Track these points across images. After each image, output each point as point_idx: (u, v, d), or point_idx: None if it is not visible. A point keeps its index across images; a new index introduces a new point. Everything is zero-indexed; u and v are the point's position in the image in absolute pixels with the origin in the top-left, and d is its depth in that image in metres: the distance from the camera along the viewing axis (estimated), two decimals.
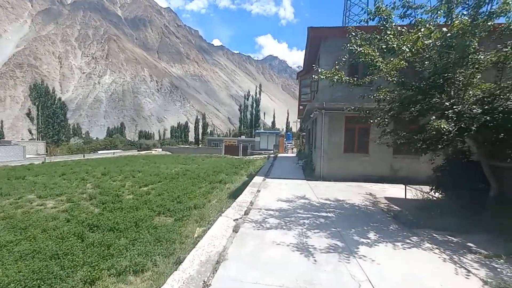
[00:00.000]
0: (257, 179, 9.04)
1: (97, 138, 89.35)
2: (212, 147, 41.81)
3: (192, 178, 14.51)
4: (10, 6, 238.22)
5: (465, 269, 2.96)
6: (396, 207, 5.77)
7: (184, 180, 14.04)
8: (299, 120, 63.13)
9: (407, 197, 6.76)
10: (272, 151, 29.76)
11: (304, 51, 15.64)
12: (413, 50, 4.32)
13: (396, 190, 7.73)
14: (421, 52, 4.46)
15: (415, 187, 8.42)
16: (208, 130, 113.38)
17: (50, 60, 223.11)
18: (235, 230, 3.98)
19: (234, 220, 4.41)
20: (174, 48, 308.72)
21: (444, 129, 3.56)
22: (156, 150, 52.25)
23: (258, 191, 7.08)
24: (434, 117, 4.30)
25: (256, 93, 59.95)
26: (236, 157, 31.94)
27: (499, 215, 4.30)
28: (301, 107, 15.52)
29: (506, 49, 3.92)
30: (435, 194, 5.45)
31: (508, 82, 4.15)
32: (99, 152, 42.52)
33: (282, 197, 6.47)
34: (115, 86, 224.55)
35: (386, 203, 6.17)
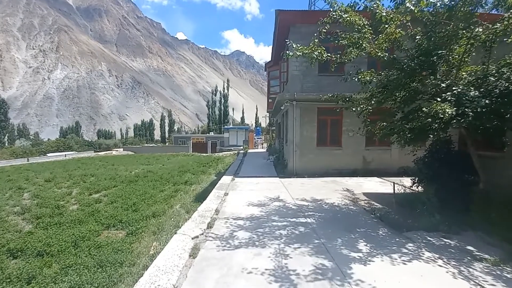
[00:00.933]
0: (225, 179, 8.09)
1: (48, 139, 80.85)
2: (179, 145, 39.70)
3: (154, 180, 13.06)
4: None
5: (481, 286, 2.39)
6: (378, 205, 5.28)
7: (144, 183, 12.56)
8: (268, 114, 63.07)
9: (384, 191, 6.37)
10: (241, 147, 28.87)
11: (271, 46, 14.99)
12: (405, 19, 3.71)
13: (372, 184, 7.36)
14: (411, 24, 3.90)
15: (388, 179, 8.17)
16: (176, 128, 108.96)
17: None
18: (193, 254, 3.02)
19: (192, 239, 3.44)
20: (135, 41, 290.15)
21: (447, 114, 2.99)
22: (117, 151, 48.48)
23: (226, 194, 6.15)
24: (425, 102, 3.75)
25: (224, 88, 58.35)
26: (204, 154, 30.50)
27: (487, 209, 3.92)
28: (270, 100, 14.80)
29: (497, 25, 3.46)
30: (417, 187, 5.02)
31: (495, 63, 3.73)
32: (49, 155, 38.03)
33: (253, 200, 5.63)
34: (69, 82, 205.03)
35: (366, 200, 5.67)
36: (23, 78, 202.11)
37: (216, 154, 29.31)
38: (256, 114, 75.20)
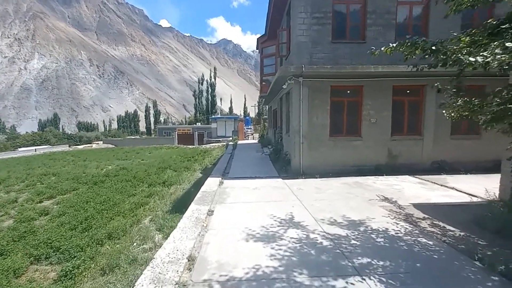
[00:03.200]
0: (211, 183, 5.93)
1: (26, 132, 75.87)
2: (164, 137, 37.00)
3: (125, 180, 10.74)
4: None
5: None
6: (452, 228, 3.32)
7: (112, 184, 10.24)
8: (257, 104, 60.55)
9: (440, 200, 4.44)
10: (230, 138, 26.61)
11: (258, 34, 12.64)
12: None
13: (413, 188, 5.42)
14: None
15: (425, 178, 6.28)
16: (162, 119, 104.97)
17: None
18: None
19: None
20: (116, 28, 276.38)
21: None
22: (97, 144, 45.32)
23: (210, 212, 3.99)
24: None
25: (211, 77, 55.30)
26: (190, 146, 28.12)
27: None
28: (263, 83, 12.57)
29: None
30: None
31: None
32: (20, 149, 34.55)
33: (253, 225, 3.51)
34: (47, 72, 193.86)
35: (426, 219, 3.70)
36: None
37: (203, 146, 26.98)
38: (245, 104, 72.79)
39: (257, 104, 59.90)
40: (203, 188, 5.30)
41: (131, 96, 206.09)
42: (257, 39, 12.15)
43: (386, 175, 6.70)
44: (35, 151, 29.28)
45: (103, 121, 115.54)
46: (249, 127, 38.47)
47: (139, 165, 15.58)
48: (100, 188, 9.77)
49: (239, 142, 22.91)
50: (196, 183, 10.04)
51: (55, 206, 8.03)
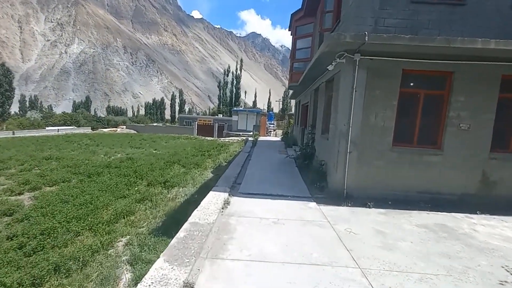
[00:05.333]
0: (210, 205, 3.92)
1: (63, 112, 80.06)
2: (184, 126, 36.02)
3: (124, 175, 9.19)
4: None
5: None
6: None
7: (108, 178, 8.72)
8: (281, 100, 57.92)
9: None
10: (251, 133, 24.64)
11: (287, 29, 10.14)
12: None
13: None
14: None
15: None
16: (187, 108, 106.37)
17: (9, 24, 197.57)
18: None
19: None
20: (150, 17, 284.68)
21: None
22: (122, 128, 45.87)
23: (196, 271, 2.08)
24: None
25: (236, 69, 53.64)
26: (209, 138, 26.63)
27: None
28: (293, 71, 10.35)
29: None
30: None
31: None
32: (47, 128, 35.42)
33: None
34: (85, 57, 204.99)
35: None
36: (41, 51, 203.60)
37: (222, 139, 25.35)
38: (269, 99, 70.74)
39: (281, 100, 57.32)
40: (193, 217, 3.33)
41: (160, 84, 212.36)
42: (291, 15, 9.88)
43: (479, 212, 4.32)
44: (58, 131, 29.50)
45: (132, 106, 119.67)
46: (272, 122, 36.30)
47: (149, 156, 14.18)
48: (92, 182, 8.27)
49: (260, 138, 20.90)
50: (203, 186, 8.22)
51: (28, 203, 6.59)
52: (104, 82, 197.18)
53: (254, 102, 65.82)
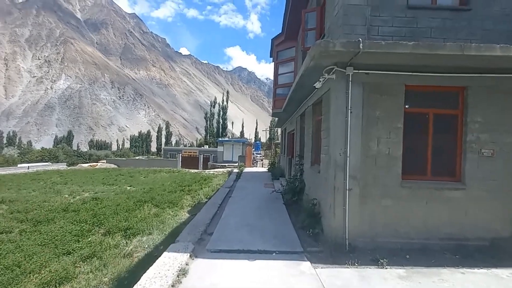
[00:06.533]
0: (159, 273, 2.68)
1: (42, 148, 76.78)
2: (168, 159, 34.47)
3: (79, 221, 7.64)
4: None
5: None
6: None
7: (59, 226, 7.16)
8: (268, 129, 58.09)
9: None
10: (237, 164, 23.45)
11: (271, 60, 9.67)
12: None
13: None
14: None
15: None
16: (174, 140, 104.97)
17: None
18: None
19: None
20: (139, 54, 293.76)
21: None
22: (103, 162, 43.57)
23: None
24: None
25: (223, 100, 54.16)
26: (193, 170, 25.14)
27: None
28: (276, 98, 9.66)
29: None
30: None
31: None
32: (19, 165, 32.87)
33: None
34: (71, 92, 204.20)
35: None
36: (26, 87, 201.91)
37: (206, 171, 23.95)
38: (256, 129, 71.13)
39: (268, 129, 57.37)
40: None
41: (147, 117, 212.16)
42: (272, 40, 9.45)
43: None
44: (28, 168, 27.20)
45: (117, 140, 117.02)
46: (259, 152, 35.44)
47: (120, 194, 12.59)
48: (35, 233, 6.69)
49: (246, 169, 19.72)
50: (173, 233, 6.82)
51: None
52: (89, 117, 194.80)
53: (242, 132, 65.72)
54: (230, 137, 59.52)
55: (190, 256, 3.19)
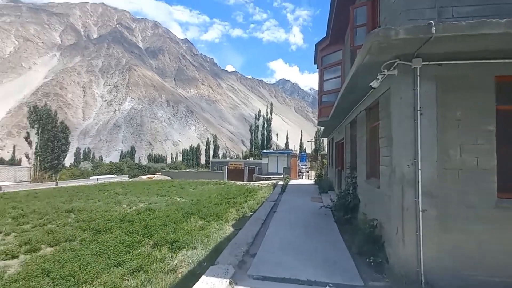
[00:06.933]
0: None
1: (111, 162, 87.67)
2: (215, 171, 35.64)
3: (132, 232, 8.04)
4: (41, 41, 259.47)
5: None
6: None
7: (114, 236, 7.61)
8: (313, 140, 56.08)
9: None
10: (282, 176, 22.81)
11: (316, 73, 9.04)
12: None
13: None
14: None
15: None
16: (221, 152, 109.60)
17: (75, 89, 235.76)
18: None
19: None
20: (190, 75, 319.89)
21: None
22: (159, 174, 47.45)
23: None
24: None
25: (267, 112, 54.76)
26: (239, 183, 25.34)
27: None
28: (322, 106, 9.03)
29: None
30: None
31: None
32: (91, 177, 37.77)
33: None
34: (134, 112, 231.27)
35: None
36: (99, 109, 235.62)
37: (251, 183, 23.90)
38: (301, 140, 69.74)
39: (313, 139, 55.57)
40: None
41: (197, 132, 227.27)
42: (315, 45, 8.97)
43: None
44: (97, 180, 30.88)
45: (171, 154, 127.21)
46: (304, 163, 34.23)
47: (171, 205, 13.15)
48: (93, 242, 7.19)
49: (291, 182, 19.02)
50: (216, 249, 6.61)
51: (10, 272, 5.57)
52: (148, 133, 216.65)
53: (286, 144, 65.14)
54: (275, 149, 59.37)
55: (230, 283, 2.83)
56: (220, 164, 38.99)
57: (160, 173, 50.04)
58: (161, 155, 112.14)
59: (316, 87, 11.11)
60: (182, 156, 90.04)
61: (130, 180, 35.42)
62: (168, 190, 19.93)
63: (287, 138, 67.61)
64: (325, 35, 8.64)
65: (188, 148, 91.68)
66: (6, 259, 6.32)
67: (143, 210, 11.67)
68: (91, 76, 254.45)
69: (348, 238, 4.61)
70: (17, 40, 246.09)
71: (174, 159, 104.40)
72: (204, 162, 77.09)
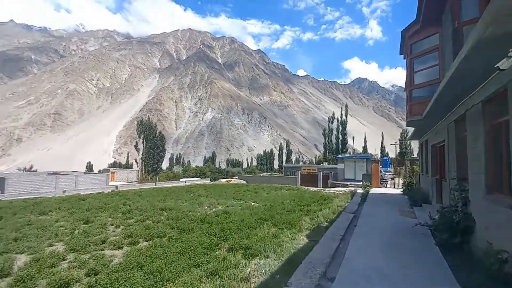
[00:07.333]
0: None
1: (196, 166, 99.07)
2: (287, 176, 35.40)
3: (211, 233, 8.51)
4: (145, 67, 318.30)
5: None
6: None
7: (196, 236, 8.22)
8: (397, 142, 48.92)
9: None
10: (360, 183, 20.60)
11: (398, 68, 7.70)
12: None
13: None
14: None
15: None
16: (294, 157, 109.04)
17: (170, 104, 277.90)
18: None
19: None
20: (263, 83, 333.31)
21: None
22: (235, 178, 50.67)
23: None
24: None
25: (341, 115, 51.30)
26: (313, 188, 24.32)
27: None
28: (411, 102, 7.53)
29: None
30: None
31: None
32: (181, 180, 43.40)
33: None
34: (215, 121, 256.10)
35: None
36: (187, 120, 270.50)
37: (326, 190, 22.49)
38: (382, 143, 62.20)
39: (398, 142, 48.59)
40: None
41: (270, 137, 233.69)
42: (402, 32, 7.62)
43: None
44: (185, 182, 35.04)
45: (246, 158, 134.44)
46: (388, 169, 30.19)
47: (245, 209, 13.56)
48: (178, 241, 7.91)
49: (372, 190, 16.96)
50: (289, 261, 6.24)
51: (115, 262, 6.61)
52: (227, 140, 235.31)
53: (364, 148, 59.42)
54: (351, 153, 54.91)
55: None
56: (293, 169, 38.54)
57: (236, 177, 53.17)
58: (238, 160, 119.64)
59: (399, 83, 9.53)
60: (257, 161, 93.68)
61: (211, 182, 38.91)
62: (243, 194, 20.80)
63: (365, 141, 61.68)
64: (413, 19, 7.27)
65: (262, 153, 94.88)
66: (114, 249, 7.61)
67: (221, 212, 12.38)
68: (181, 92, 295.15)
69: (459, 272, 3.51)
70: (129, 68, 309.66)
71: (249, 164, 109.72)
72: (277, 167, 78.08)
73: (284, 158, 79.62)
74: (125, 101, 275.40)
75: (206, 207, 14.93)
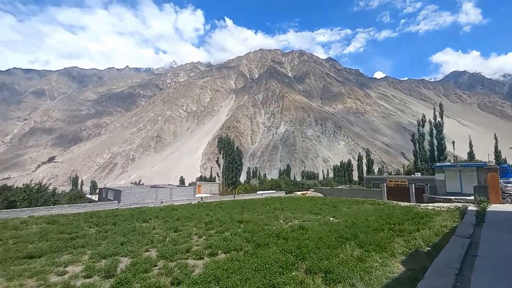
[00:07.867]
0: None
1: (271, 179, 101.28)
2: (370, 189, 31.72)
3: (286, 251, 8.05)
4: (224, 90, 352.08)
5: None
6: None
7: (271, 253, 7.92)
8: None
9: None
10: (470, 197, 16.29)
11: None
12: None
13: None
14: None
15: None
16: (376, 168, 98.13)
17: (245, 121, 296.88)
18: None
19: None
20: (335, 91, 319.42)
21: None
22: (311, 191, 48.96)
23: None
24: None
25: (435, 116, 43.25)
26: (403, 204, 20.84)
27: None
28: None
29: None
30: None
31: None
32: (258, 192, 44.70)
33: None
34: (288, 134, 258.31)
35: None
36: (262, 135, 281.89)
37: (422, 205, 18.76)
38: (496, 147, 48.88)
39: None
40: None
41: (346, 147, 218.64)
42: None
43: None
44: (262, 195, 35.78)
45: (322, 170, 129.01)
46: (510, 180, 23.11)
47: (323, 225, 12.58)
48: (254, 256, 7.76)
49: (492, 207, 13.21)
50: None
51: (196, 272, 6.90)
52: (301, 151, 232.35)
53: (470, 154, 48.25)
54: (452, 161, 45.28)
55: None
56: (377, 180, 34.38)
57: (312, 189, 51.10)
58: (313, 171, 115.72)
59: None
60: (333, 173, 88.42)
61: (287, 195, 38.54)
62: (320, 208, 19.53)
63: (470, 146, 50.06)
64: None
65: (338, 164, 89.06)
66: (196, 259, 8.06)
67: (297, 227, 11.78)
68: (255, 109, 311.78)
69: None
70: (211, 92, 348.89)
71: (325, 176, 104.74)
72: (357, 179, 71.59)
73: (365, 168, 72.40)
74: (208, 121, 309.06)
75: (281, 221, 14.60)
